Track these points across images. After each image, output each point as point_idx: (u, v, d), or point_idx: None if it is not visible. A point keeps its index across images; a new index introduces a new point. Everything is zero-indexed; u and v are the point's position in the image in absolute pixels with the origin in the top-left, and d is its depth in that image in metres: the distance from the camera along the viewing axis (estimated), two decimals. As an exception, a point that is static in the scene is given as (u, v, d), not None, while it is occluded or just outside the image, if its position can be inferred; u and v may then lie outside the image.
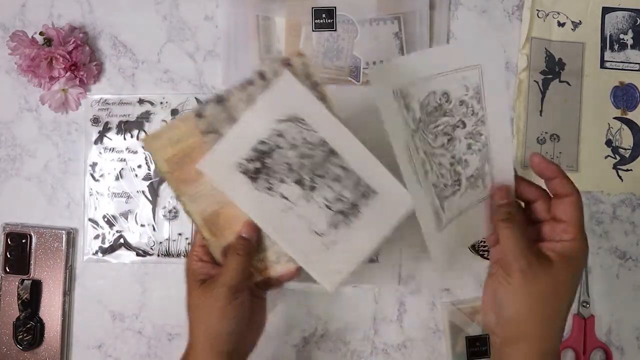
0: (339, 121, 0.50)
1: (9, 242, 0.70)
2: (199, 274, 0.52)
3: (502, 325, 0.48)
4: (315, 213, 0.51)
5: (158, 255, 0.71)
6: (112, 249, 0.71)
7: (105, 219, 0.71)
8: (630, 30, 0.72)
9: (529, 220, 0.50)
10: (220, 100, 0.51)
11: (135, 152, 0.72)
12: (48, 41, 0.69)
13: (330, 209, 0.51)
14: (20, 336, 0.69)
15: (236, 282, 0.50)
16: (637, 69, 0.72)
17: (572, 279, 0.47)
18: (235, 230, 0.52)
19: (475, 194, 0.51)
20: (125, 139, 0.72)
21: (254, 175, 0.50)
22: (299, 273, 0.54)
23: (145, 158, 0.72)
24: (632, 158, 0.71)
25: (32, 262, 0.70)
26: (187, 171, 0.52)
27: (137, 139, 0.72)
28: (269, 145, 0.50)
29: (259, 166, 0.50)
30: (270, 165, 0.50)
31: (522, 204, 0.51)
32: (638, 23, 0.72)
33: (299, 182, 0.51)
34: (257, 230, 0.52)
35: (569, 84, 0.71)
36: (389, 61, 0.51)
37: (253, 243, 0.52)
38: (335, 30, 0.70)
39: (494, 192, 0.50)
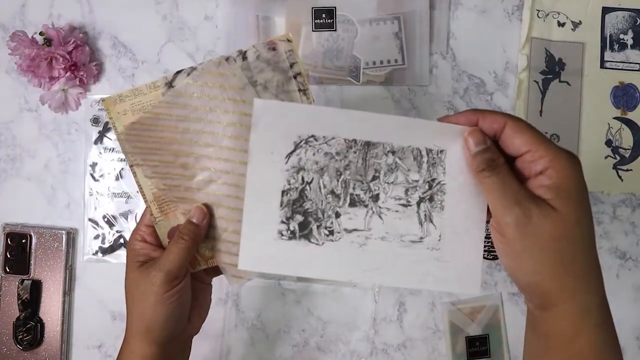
0: (345, 110, 0.41)
1: (9, 242, 0.70)
2: (139, 255, 0.49)
3: (526, 292, 0.40)
4: (397, 222, 0.41)
5: (158, 255, 0.71)
6: (112, 249, 0.71)
7: (105, 219, 0.71)
8: (630, 30, 0.72)
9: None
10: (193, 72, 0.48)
11: (135, 152, 0.72)
12: (48, 41, 0.69)
13: (409, 205, 0.41)
14: (20, 336, 0.69)
15: (176, 268, 0.47)
16: (637, 69, 0.72)
17: (576, 212, 0.38)
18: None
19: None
20: (125, 139, 0.72)
21: (304, 232, 0.41)
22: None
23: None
24: (632, 158, 0.71)
25: (32, 262, 0.70)
26: (146, 142, 0.48)
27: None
28: (294, 188, 0.41)
29: (302, 219, 0.41)
30: (312, 208, 0.41)
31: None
32: (638, 23, 0.72)
33: (355, 202, 0.41)
34: (208, 216, 0.48)
35: (569, 84, 0.71)
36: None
37: (201, 230, 0.48)
38: (335, 30, 0.70)
39: (465, 139, 0.40)
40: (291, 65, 0.48)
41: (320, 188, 0.41)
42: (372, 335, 0.70)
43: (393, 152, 0.41)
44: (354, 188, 0.41)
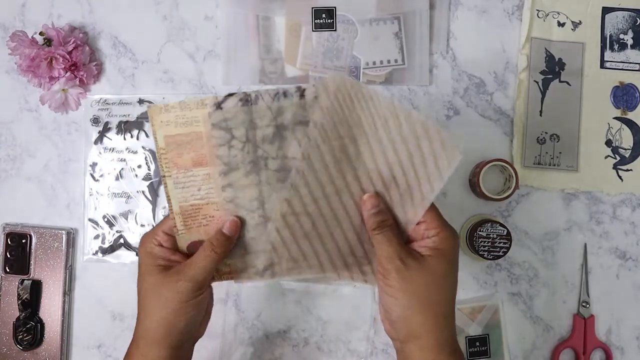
0: None
1: (9, 242, 0.70)
2: (158, 258, 0.50)
3: (394, 328, 0.48)
4: None
5: (158, 255, 0.71)
6: (112, 249, 0.71)
7: (105, 219, 0.71)
8: (630, 30, 0.72)
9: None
10: (246, 100, 0.46)
11: (135, 152, 0.72)
12: (48, 41, 0.69)
13: None
14: (20, 336, 0.69)
15: (204, 277, 0.48)
16: (637, 69, 0.72)
17: (446, 269, 0.48)
18: (210, 230, 0.50)
19: None
20: (125, 139, 0.72)
21: None
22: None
23: (145, 158, 0.72)
24: (632, 158, 0.71)
25: (32, 262, 0.70)
26: (183, 157, 0.48)
27: (137, 139, 0.72)
28: None
29: None
30: None
31: None
32: (638, 23, 0.72)
33: None
34: (239, 231, 0.50)
35: (569, 84, 0.71)
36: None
37: (232, 243, 0.49)
38: (335, 30, 0.70)
39: (363, 202, 0.50)
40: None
41: None
42: (372, 335, 0.70)
43: None
44: None
